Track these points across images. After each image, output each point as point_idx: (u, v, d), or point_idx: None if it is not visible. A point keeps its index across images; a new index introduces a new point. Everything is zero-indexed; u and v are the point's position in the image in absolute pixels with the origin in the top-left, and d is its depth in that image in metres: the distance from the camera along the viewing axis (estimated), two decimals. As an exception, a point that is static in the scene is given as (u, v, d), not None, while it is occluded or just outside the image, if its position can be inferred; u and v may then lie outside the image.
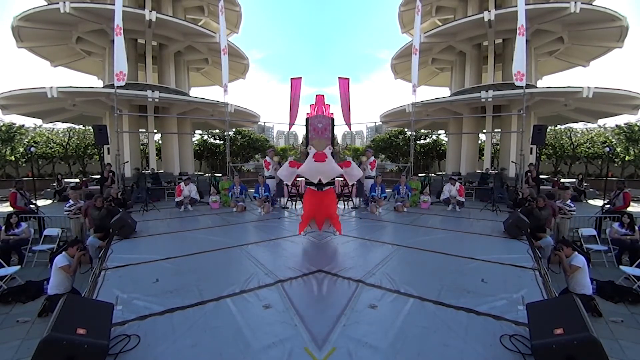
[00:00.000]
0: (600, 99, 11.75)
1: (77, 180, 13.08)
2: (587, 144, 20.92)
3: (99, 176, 13.21)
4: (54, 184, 11.98)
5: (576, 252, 4.54)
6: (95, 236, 5.81)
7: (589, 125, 20.36)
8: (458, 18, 14.25)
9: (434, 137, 24.97)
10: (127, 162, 11.52)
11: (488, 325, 3.09)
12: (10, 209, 7.61)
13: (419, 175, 10.62)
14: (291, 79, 11.99)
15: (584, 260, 4.43)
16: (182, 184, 9.21)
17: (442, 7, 16.04)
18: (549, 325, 2.61)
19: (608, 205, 7.99)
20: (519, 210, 6.92)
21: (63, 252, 4.60)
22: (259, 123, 20.26)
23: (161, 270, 4.50)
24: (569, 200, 7.30)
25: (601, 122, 17.66)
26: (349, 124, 11.64)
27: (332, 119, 10.53)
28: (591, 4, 12.21)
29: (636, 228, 6.30)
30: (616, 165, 19.25)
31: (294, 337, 2.88)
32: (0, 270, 5.15)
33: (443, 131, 20.72)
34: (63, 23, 11.93)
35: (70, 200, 7.16)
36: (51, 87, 10.99)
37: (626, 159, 18.36)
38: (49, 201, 11.38)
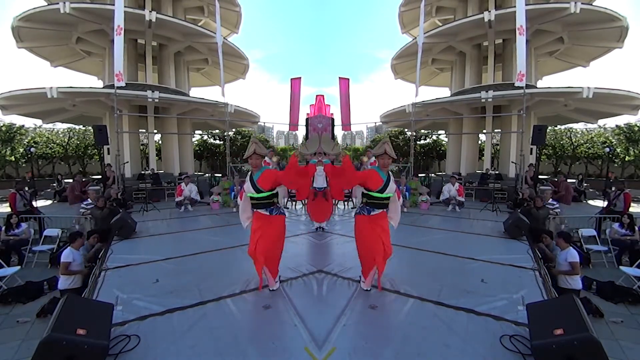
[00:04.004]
0: (600, 99, 11.75)
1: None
2: (587, 144, 20.91)
3: (99, 177, 13.23)
4: (54, 184, 11.98)
5: (570, 247, 4.56)
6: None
7: (589, 125, 20.35)
8: (458, 18, 14.25)
9: (434, 137, 24.97)
10: (127, 162, 11.52)
11: (488, 325, 3.09)
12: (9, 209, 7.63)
13: (418, 175, 10.62)
14: (291, 79, 12.03)
15: (577, 254, 4.48)
16: (183, 184, 9.21)
17: (442, 8, 16.05)
18: (549, 325, 2.61)
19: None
20: (518, 210, 6.94)
21: (69, 247, 4.66)
22: (259, 123, 20.26)
23: (161, 271, 4.50)
24: (550, 199, 7.48)
25: (601, 122, 17.65)
26: (349, 124, 11.64)
27: (332, 119, 10.58)
28: (591, 4, 12.22)
29: (636, 228, 6.30)
30: (616, 165, 19.24)
31: (294, 337, 2.88)
32: (0, 271, 5.14)
33: (443, 131, 20.72)
34: (63, 23, 11.92)
35: (89, 200, 7.39)
36: (51, 88, 10.99)
37: (626, 159, 18.35)
38: (49, 201, 11.37)
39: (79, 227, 6.90)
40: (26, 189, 8.04)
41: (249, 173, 3.75)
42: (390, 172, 3.73)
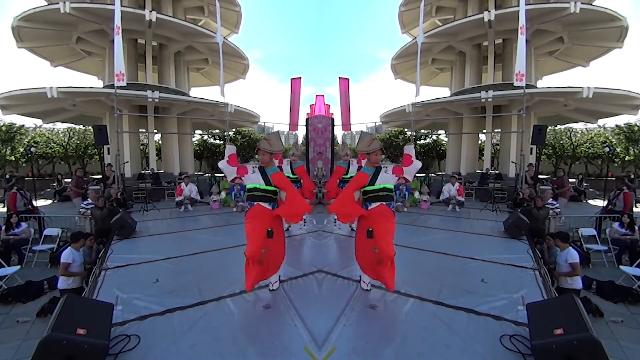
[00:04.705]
0: (600, 99, 11.74)
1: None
2: (587, 144, 20.89)
3: (99, 176, 13.23)
4: (54, 184, 11.98)
5: (570, 247, 4.56)
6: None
7: (589, 125, 20.32)
8: (458, 18, 14.24)
9: (434, 137, 24.95)
10: (127, 162, 11.52)
11: (488, 325, 3.09)
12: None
13: (416, 175, 10.59)
14: (291, 79, 12.04)
15: (577, 255, 4.47)
16: (183, 183, 9.22)
17: (442, 7, 16.03)
18: (549, 325, 2.61)
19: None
20: (518, 210, 6.94)
21: (69, 247, 4.65)
22: (259, 123, 20.25)
23: (161, 270, 4.50)
24: (550, 199, 7.53)
25: (601, 122, 17.63)
26: (348, 124, 11.65)
27: (332, 119, 10.59)
28: (591, 4, 12.21)
29: (636, 228, 6.31)
30: (616, 165, 19.22)
31: (294, 337, 2.88)
32: (0, 270, 5.15)
33: (443, 131, 20.71)
34: (63, 23, 11.92)
35: (89, 199, 7.40)
36: (51, 87, 10.98)
37: (626, 159, 18.34)
38: (49, 201, 11.37)
39: (78, 223, 6.93)
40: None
41: (260, 166, 3.62)
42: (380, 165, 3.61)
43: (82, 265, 4.72)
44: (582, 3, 11.10)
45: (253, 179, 3.59)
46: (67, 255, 4.50)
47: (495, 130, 14.58)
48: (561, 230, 5.22)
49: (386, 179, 3.56)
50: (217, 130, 21.45)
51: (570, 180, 11.33)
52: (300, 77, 11.85)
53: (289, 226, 6.24)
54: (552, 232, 6.24)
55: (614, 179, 11.98)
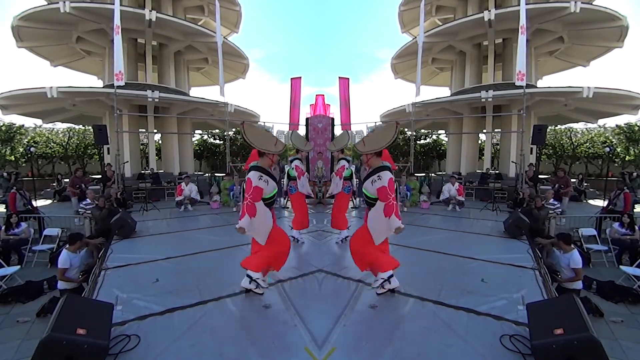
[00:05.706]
0: (600, 99, 11.74)
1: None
2: (587, 144, 20.88)
3: (99, 176, 13.22)
4: (54, 184, 11.97)
5: (574, 250, 4.53)
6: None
7: (589, 125, 20.33)
8: (458, 18, 14.24)
9: (434, 137, 24.95)
10: (127, 162, 11.52)
11: (488, 325, 3.09)
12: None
13: (416, 175, 10.59)
14: (291, 79, 12.03)
15: (581, 260, 4.44)
16: (183, 183, 9.21)
17: (442, 7, 16.04)
18: (549, 325, 2.61)
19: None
20: (519, 209, 6.94)
21: (64, 250, 4.61)
22: (259, 123, 20.26)
23: (161, 270, 4.50)
24: (552, 199, 7.56)
25: (601, 122, 17.64)
26: (348, 123, 11.64)
27: (332, 119, 10.59)
28: (591, 4, 12.20)
29: (636, 228, 6.31)
30: (616, 165, 19.22)
31: (294, 337, 2.88)
32: (0, 270, 5.15)
33: (443, 131, 20.71)
34: (63, 23, 11.92)
35: (88, 199, 7.40)
36: (51, 87, 10.98)
37: (626, 159, 18.34)
38: (48, 201, 11.37)
39: (77, 223, 6.92)
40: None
41: (266, 170, 3.46)
42: (374, 169, 3.44)
43: (81, 268, 4.68)
44: (582, 2, 11.10)
45: (272, 186, 3.51)
46: (64, 260, 4.36)
47: (495, 130, 14.58)
48: (562, 232, 5.20)
49: (367, 186, 3.45)
50: (217, 130, 21.46)
51: (570, 180, 11.31)
52: (300, 77, 11.84)
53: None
54: (551, 234, 6.23)
55: (614, 179, 11.99)
